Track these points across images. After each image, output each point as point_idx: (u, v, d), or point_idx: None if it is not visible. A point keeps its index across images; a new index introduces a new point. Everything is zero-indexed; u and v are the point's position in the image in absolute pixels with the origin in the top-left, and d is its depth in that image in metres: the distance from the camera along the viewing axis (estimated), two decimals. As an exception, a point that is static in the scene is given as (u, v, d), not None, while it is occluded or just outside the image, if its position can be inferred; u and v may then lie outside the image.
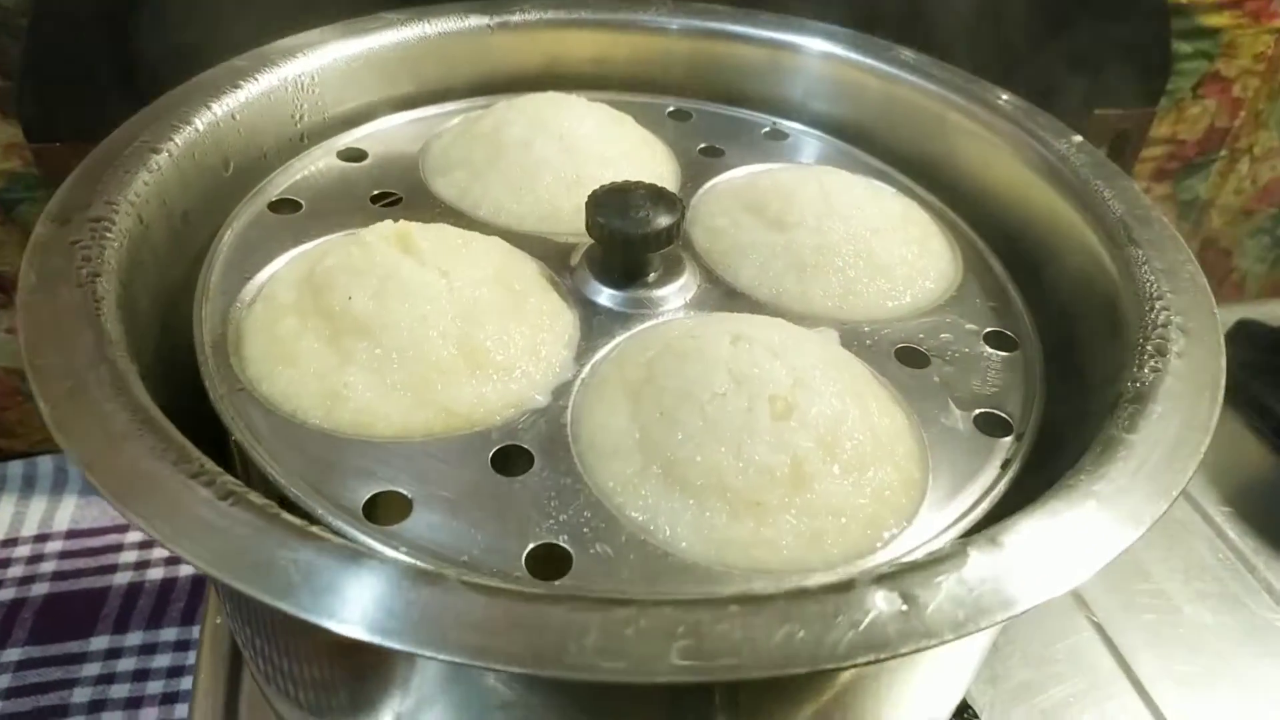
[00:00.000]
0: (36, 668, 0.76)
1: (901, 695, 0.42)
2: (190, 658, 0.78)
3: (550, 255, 0.50)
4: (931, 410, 0.44)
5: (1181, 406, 0.38)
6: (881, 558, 0.37)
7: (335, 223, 0.51)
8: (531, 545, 0.36)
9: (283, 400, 0.41)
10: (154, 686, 0.77)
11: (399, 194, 0.54)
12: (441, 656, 0.28)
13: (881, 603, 0.29)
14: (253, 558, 0.30)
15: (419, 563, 0.34)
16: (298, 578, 0.29)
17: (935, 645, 0.28)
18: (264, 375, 0.42)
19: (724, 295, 0.50)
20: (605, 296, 0.48)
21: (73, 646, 0.78)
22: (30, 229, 0.42)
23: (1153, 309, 0.43)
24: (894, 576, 0.30)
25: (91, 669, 0.77)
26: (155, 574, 0.84)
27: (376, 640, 0.28)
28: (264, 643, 0.43)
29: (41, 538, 0.87)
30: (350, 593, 0.29)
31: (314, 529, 0.31)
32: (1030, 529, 0.32)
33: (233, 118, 0.53)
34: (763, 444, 0.38)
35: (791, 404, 0.39)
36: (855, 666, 0.28)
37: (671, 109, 0.65)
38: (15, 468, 0.90)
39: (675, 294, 0.49)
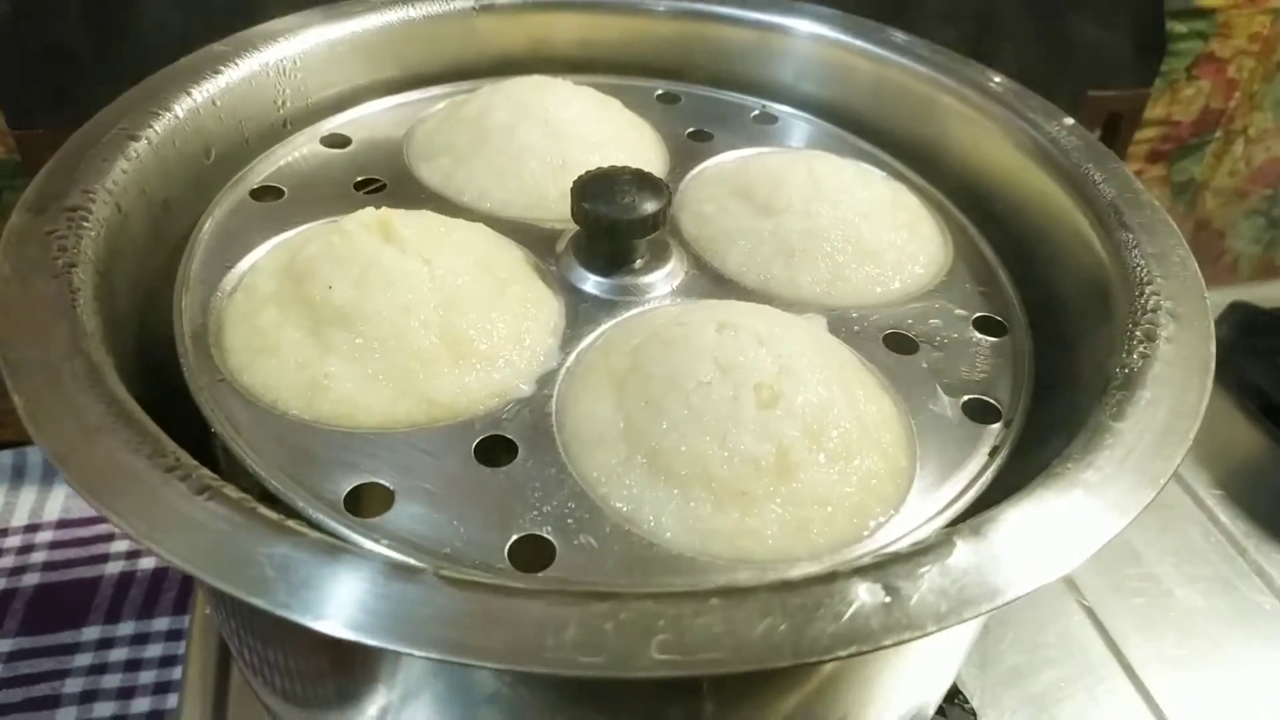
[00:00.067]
0: (28, 658, 0.76)
1: (892, 681, 0.42)
2: (182, 647, 0.78)
3: (536, 242, 0.50)
4: (920, 397, 0.43)
5: (1170, 393, 0.37)
6: (868, 547, 0.37)
7: (318, 210, 0.50)
8: (515, 537, 0.36)
9: (263, 391, 0.40)
10: (146, 676, 0.77)
11: (383, 180, 0.53)
12: (418, 653, 0.27)
13: (864, 594, 0.29)
14: (228, 553, 0.29)
15: (397, 557, 0.34)
16: (274, 573, 0.29)
17: (918, 637, 0.28)
18: (245, 366, 0.41)
19: (712, 282, 0.49)
20: (591, 283, 0.47)
21: (65, 637, 0.78)
22: (13, 217, 0.41)
23: (1143, 294, 0.42)
24: (877, 568, 0.30)
25: (83, 659, 0.77)
26: (147, 563, 0.84)
27: (353, 637, 0.28)
28: (247, 635, 0.43)
29: (32, 528, 0.86)
30: (327, 589, 0.29)
31: (291, 524, 0.31)
32: (1015, 519, 0.32)
33: (214, 104, 0.52)
34: (748, 433, 0.38)
35: (777, 392, 0.39)
36: (837, 659, 0.27)
37: (660, 92, 0.64)
38: (5, 457, 0.90)
39: (662, 281, 0.48)
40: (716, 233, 0.51)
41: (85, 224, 0.42)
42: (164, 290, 0.45)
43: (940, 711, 0.56)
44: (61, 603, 0.80)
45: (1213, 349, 0.39)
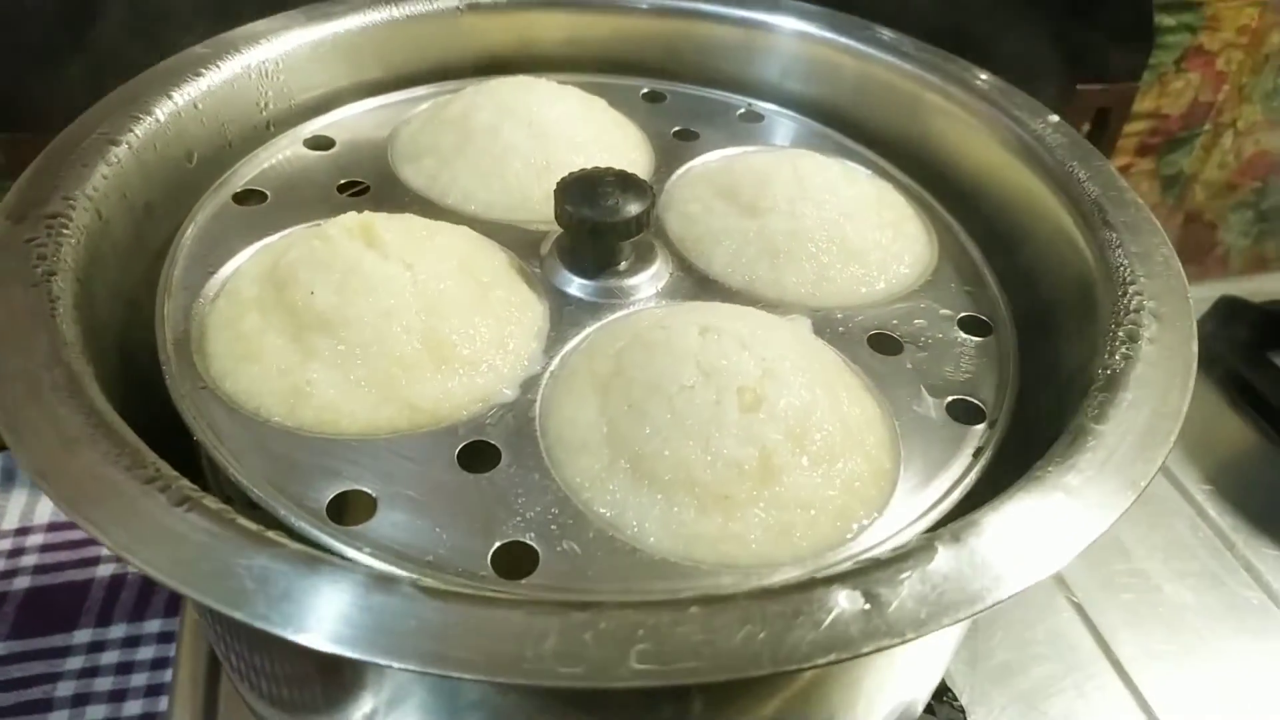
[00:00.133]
0: (19, 662, 0.76)
1: (878, 681, 0.42)
2: (174, 649, 0.78)
3: (520, 243, 0.49)
4: (904, 398, 0.43)
5: (1152, 394, 0.37)
6: (851, 550, 0.37)
7: (301, 214, 0.50)
8: (498, 544, 0.36)
9: (246, 398, 0.40)
10: (138, 679, 0.77)
11: (366, 183, 0.53)
12: (397, 665, 0.27)
13: (844, 602, 0.29)
14: (207, 565, 0.29)
15: (378, 566, 0.34)
16: (252, 585, 0.29)
17: (898, 644, 0.28)
18: (227, 372, 0.41)
19: (696, 283, 0.49)
20: (576, 286, 0.47)
21: (56, 640, 0.78)
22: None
23: (1126, 294, 0.42)
24: (856, 575, 0.30)
25: (75, 662, 0.77)
26: (138, 566, 0.84)
27: (333, 650, 0.28)
28: (233, 642, 0.43)
29: (23, 531, 0.86)
30: (306, 601, 0.29)
31: (270, 534, 0.30)
32: (996, 523, 0.32)
33: (195, 107, 0.52)
34: (731, 437, 0.38)
35: (760, 396, 0.38)
36: (816, 668, 0.27)
37: (646, 91, 0.64)
38: (-5, 461, 0.89)
39: (647, 283, 0.48)
40: (702, 233, 0.51)
41: (65, 231, 0.42)
42: (146, 297, 0.44)
43: (929, 709, 0.56)
44: (53, 606, 0.80)
45: (1195, 349, 0.39)
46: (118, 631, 0.79)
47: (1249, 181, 1.07)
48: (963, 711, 0.58)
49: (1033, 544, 0.31)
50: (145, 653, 0.78)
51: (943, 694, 0.58)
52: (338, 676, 0.37)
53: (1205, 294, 0.85)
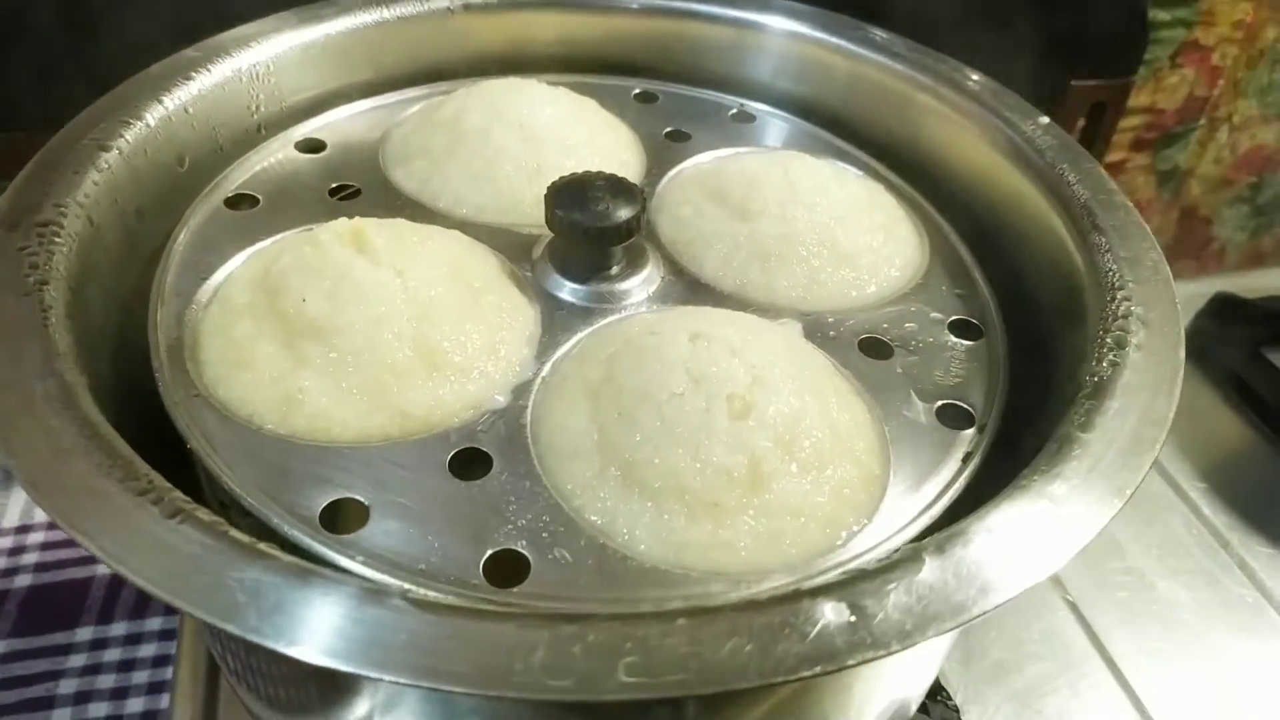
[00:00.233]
0: (21, 660, 0.76)
1: (871, 684, 0.42)
2: (175, 647, 0.78)
3: (512, 247, 0.49)
4: (894, 403, 0.44)
5: (1139, 401, 0.37)
6: (841, 557, 0.37)
7: (293, 217, 0.50)
8: (490, 551, 0.36)
9: (239, 405, 0.40)
10: (140, 676, 0.77)
11: (358, 186, 0.53)
12: (388, 678, 0.27)
13: (830, 613, 0.29)
14: (200, 578, 0.30)
15: (370, 576, 0.34)
16: (244, 598, 0.29)
17: (883, 656, 0.28)
18: (220, 379, 0.41)
19: (688, 287, 0.49)
20: (567, 291, 0.47)
21: (58, 638, 0.78)
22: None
23: (1114, 299, 0.42)
24: (842, 586, 0.30)
25: (77, 660, 0.77)
26: (137, 564, 0.84)
27: (324, 662, 0.28)
28: (229, 643, 0.43)
29: (23, 529, 0.86)
30: (298, 613, 0.29)
31: (262, 546, 0.31)
32: (981, 533, 0.32)
33: (185, 111, 0.51)
34: (720, 444, 0.38)
35: (750, 403, 0.39)
36: (802, 680, 0.27)
37: (637, 91, 0.64)
38: (-7, 460, 0.90)
39: (639, 287, 0.48)
40: (693, 236, 0.51)
41: (57, 239, 0.42)
42: (139, 304, 0.44)
43: (923, 709, 0.57)
44: (54, 603, 0.80)
45: (1182, 356, 0.39)
46: (119, 629, 0.79)
47: (1245, 176, 1.07)
48: (957, 711, 0.58)
49: (1018, 554, 0.32)
50: (147, 650, 0.79)
51: (937, 693, 0.58)
52: (332, 681, 0.37)
53: (1201, 289, 0.85)
